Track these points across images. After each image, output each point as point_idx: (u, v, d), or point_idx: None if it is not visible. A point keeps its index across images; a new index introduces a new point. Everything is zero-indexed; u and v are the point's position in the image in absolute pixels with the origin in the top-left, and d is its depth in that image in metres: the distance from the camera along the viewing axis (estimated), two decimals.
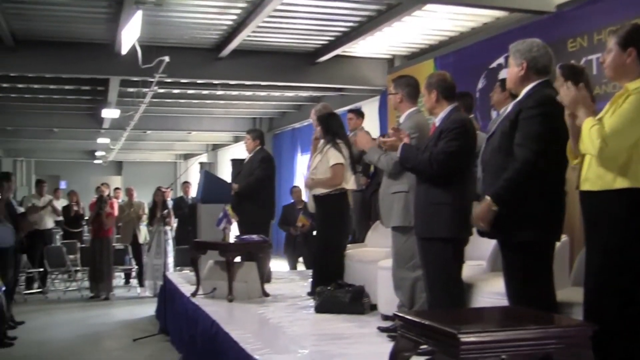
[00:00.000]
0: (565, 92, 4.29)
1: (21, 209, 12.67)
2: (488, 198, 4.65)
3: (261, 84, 16.04)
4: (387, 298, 6.99)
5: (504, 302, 4.95)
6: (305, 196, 14.33)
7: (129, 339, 10.28)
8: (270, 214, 10.35)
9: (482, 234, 4.98)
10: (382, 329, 6.58)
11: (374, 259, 7.73)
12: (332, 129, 8.49)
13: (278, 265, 13.37)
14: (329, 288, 7.75)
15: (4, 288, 9.61)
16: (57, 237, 17.16)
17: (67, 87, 16.79)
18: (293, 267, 13.87)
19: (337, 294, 7.64)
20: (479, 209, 4.70)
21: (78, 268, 15.07)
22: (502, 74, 5.75)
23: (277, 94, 17.78)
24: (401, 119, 6.66)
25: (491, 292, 5.51)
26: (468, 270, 5.81)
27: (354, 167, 8.46)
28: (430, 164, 5.47)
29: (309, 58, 14.08)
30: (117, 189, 19.21)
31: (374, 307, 7.60)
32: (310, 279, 9.22)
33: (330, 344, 6.13)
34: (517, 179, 4.58)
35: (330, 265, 8.25)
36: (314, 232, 12.79)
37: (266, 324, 7.32)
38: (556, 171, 4.72)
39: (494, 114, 9.31)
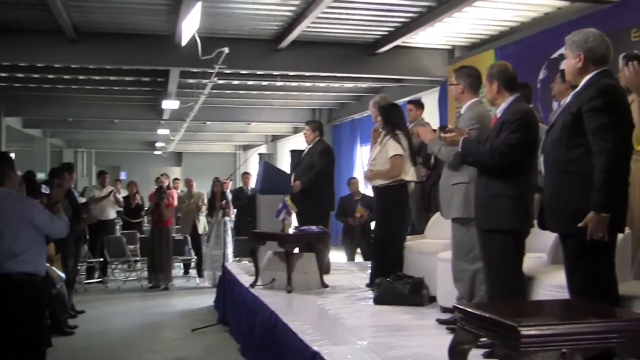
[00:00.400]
0: (630, 72, 4.20)
1: (82, 199, 12.84)
2: (592, 214, 4.52)
3: (321, 75, 16.04)
4: (446, 290, 6.95)
5: (564, 295, 4.88)
6: (364, 188, 14.34)
7: (187, 329, 10.36)
8: (329, 205, 10.33)
9: (543, 226, 4.91)
10: (441, 321, 6.54)
11: (433, 250, 7.69)
12: (393, 120, 8.46)
13: (336, 256, 13.35)
14: (388, 279, 7.73)
15: (63, 276, 9.74)
16: (117, 227, 17.35)
17: (127, 78, 16.96)
18: (351, 258, 13.86)
19: (396, 286, 7.62)
20: (593, 225, 4.56)
21: (137, 258, 15.23)
22: (563, 65, 5.66)
23: (336, 85, 17.76)
24: (462, 110, 6.60)
25: (552, 285, 5.44)
26: (528, 262, 5.73)
27: (413, 158, 8.41)
28: (491, 155, 5.40)
29: (368, 49, 14.02)
30: (176, 179, 19.37)
31: (433, 299, 7.56)
32: (369, 271, 9.20)
33: (389, 336, 6.12)
34: (610, 176, 4.46)
35: (390, 257, 8.23)
36: (372, 224, 12.78)
37: (325, 315, 7.32)
38: None
39: (555, 105, 9.17)
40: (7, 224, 5.61)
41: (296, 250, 8.88)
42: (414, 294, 7.53)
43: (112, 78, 16.79)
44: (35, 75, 16.43)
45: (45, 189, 8.87)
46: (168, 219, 14.51)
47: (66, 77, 16.59)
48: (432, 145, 6.56)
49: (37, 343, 5.81)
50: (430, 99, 14.95)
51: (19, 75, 16.41)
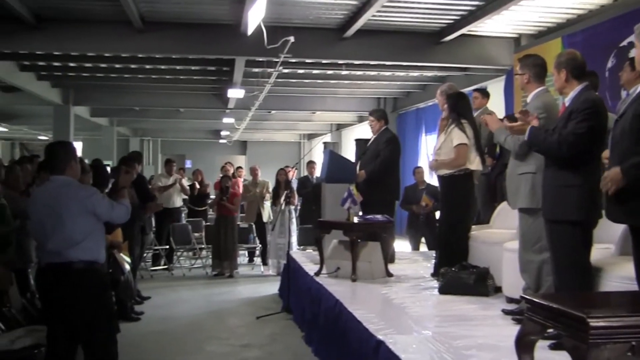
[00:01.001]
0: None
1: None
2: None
3: (386, 63, 15.98)
4: (512, 280, 6.90)
5: (633, 287, 4.82)
6: (429, 177, 14.28)
7: (252, 316, 10.44)
8: (394, 194, 10.30)
9: (612, 218, 4.85)
10: (506, 312, 6.51)
11: (499, 240, 7.64)
12: (458, 108, 8.40)
13: (400, 245, 13.33)
14: (453, 269, 7.71)
15: (128, 261, 9.87)
16: (183, 215, 17.54)
17: (193, 67, 17.11)
18: (415, 247, 13.81)
19: (461, 275, 7.59)
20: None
21: (203, 246, 15.39)
22: (633, 53, 5.55)
23: (401, 73, 17.70)
24: (528, 99, 6.53)
25: (620, 277, 5.37)
26: (596, 253, 5.66)
27: (479, 147, 8.34)
28: (559, 145, 5.33)
29: (433, 37, 13.93)
30: (239, 168, 19.50)
31: (498, 290, 7.52)
32: (434, 260, 9.17)
33: (454, 326, 6.11)
34: None
35: (455, 247, 8.20)
36: (437, 213, 12.73)
37: (389, 304, 7.32)
38: None
39: (623, 93, 9.01)
40: (68, 213, 5.69)
41: (361, 239, 8.89)
42: (479, 283, 7.50)
43: (178, 67, 16.96)
44: (103, 65, 16.67)
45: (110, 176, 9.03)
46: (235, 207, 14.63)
47: (133, 66, 16.80)
48: (499, 135, 6.50)
49: (108, 329, 5.91)
50: (496, 88, 14.80)
51: (87, 65, 16.66)
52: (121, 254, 9.44)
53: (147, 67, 16.82)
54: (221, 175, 15.81)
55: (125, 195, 6.70)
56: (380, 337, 5.51)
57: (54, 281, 5.65)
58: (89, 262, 5.72)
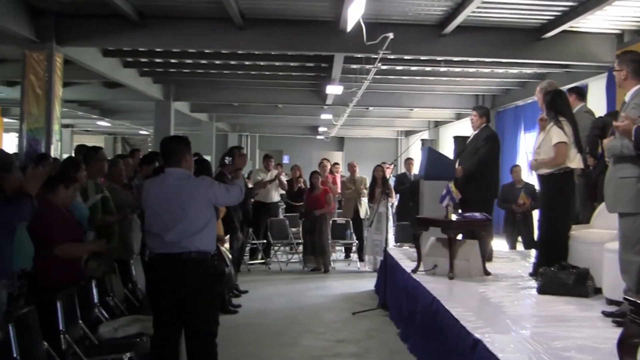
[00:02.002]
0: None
1: (248, 182, 13.18)
2: None
3: (485, 60, 15.83)
4: (612, 282, 6.77)
5: None
6: (527, 175, 14.10)
7: (348, 312, 10.49)
8: (493, 192, 10.21)
9: None
10: (606, 314, 6.38)
11: (599, 240, 7.49)
12: (556, 106, 8.26)
13: (497, 244, 13.20)
14: (552, 269, 7.60)
15: (228, 255, 10.02)
16: (281, 210, 17.69)
17: (292, 64, 17.23)
18: (513, 246, 13.66)
19: (560, 276, 7.48)
20: None
21: (300, 241, 15.49)
22: None
23: (500, 70, 17.49)
24: (627, 97, 6.37)
25: None
26: None
27: (579, 145, 8.18)
28: None
29: (534, 34, 13.72)
30: (335, 164, 19.56)
31: (598, 291, 7.38)
32: (532, 259, 9.06)
33: (552, 326, 6.02)
34: None
35: (554, 246, 8.08)
36: (534, 212, 12.57)
37: (487, 303, 7.26)
38: None
39: None
40: (191, 204, 5.87)
41: (459, 236, 8.85)
42: (579, 284, 7.37)
43: (277, 63, 17.10)
44: (203, 61, 16.93)
45: (228, 160, 9.24)
46: (328, 203, 14.70)
47: (232, 62, 17.00)
48: (613, 147, 6.28)
49: (212, 320, 6.04)
50: (597, 86, 14.52)
51: (188, 61, 16.94)
52: (223, 248, 9.61)
53: (247, 63, 17.01)
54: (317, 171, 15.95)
55: (239, 176, 6.92)
56: (477, 335, 5.48)
57: (169, 271, 5.81)
58: (204, 252, 5.89)
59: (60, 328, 5.80)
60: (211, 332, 5.99)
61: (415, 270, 8.95)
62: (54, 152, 12.64)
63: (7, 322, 4.97)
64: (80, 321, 6.33)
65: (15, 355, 4.90)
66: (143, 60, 17.09)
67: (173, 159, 6.09)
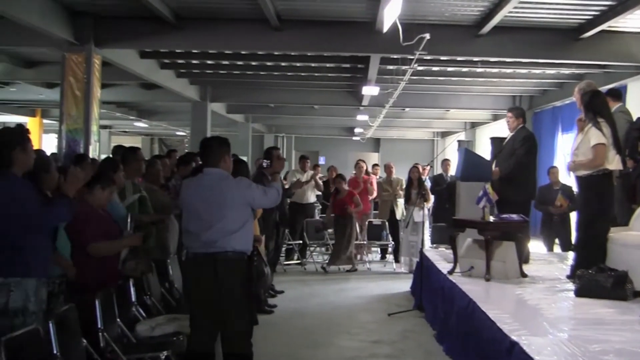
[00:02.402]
0: None
1: (285, 183, 13.20)
2: None
3: (522, 61, 15.73)
4: None
5: None
6: (564, 177, 13.99)
7: (383, 313, 10.48)
8: (530, 193, 10.13)
9: None
10: None
11: (638, 243, 7.44)
12: (594, 107, 8.19)
13: (534, 246, 13.10)
14: (590, 272, 7.53)
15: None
16: (316, 211, 17.71)
17: (328, 64, 17.24)
18: (550, 248, 13.58)
19: (598, 278, 7.42)
20: None
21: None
22: None
23: (538, 71, 17.40)
24: None
25: None
26: None
27: (617, 146, 8.10)
28: None
29: (572, 34, 13.60)
30: (375, 165, 19.53)
31: (637, 294, 7.33)
32: (569, 262, 8.99)
33: (590, 329, 5.97)
34: None
35: (592, 249, 8.01)
36: (572, 214, 12.48)
37: (524, 305, 7.23)
38: None
39: None
40: (229, 204, 5.93)
41: (496, 238, 8.81)
42: (617, 287, 7.31)
43: (313, 64, 17.13)
44: (240, 63, 17.00)
45: (266, 163, 9.29)
46: (357, 204, 14.71)
47: (269, 63, 17.05)
48: None
49: (249, 320, 6.08)
50: (636, 86, 14.39)
51: (225, 62, 17.02)
52: (260, 248, 9.65)
53: (283, 64, 17.05)
54: (354, 172, 15.95)
55: (277, 179, 6.98)
56: (514, 338, 5.46)
57: (207, 270, 5.86)
58: (240, 252, 5.95)
59: (99, 326, 5.87)
60: (247, 331, 6.03)
61: (451, 272, 8.92)
62: (92, 153, 12.77)
63: (47, 320, 5.04)
64: (118, 319, 6.40)
65: (55, 352, 4.97)
66: (180, 61, 17.20)
67: (212, 159, 6.16)
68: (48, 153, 10.52)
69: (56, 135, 14.97)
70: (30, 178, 5.64)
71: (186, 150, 19.14)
